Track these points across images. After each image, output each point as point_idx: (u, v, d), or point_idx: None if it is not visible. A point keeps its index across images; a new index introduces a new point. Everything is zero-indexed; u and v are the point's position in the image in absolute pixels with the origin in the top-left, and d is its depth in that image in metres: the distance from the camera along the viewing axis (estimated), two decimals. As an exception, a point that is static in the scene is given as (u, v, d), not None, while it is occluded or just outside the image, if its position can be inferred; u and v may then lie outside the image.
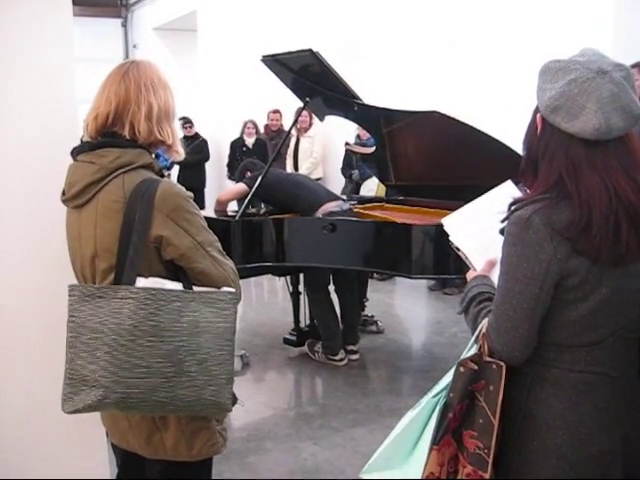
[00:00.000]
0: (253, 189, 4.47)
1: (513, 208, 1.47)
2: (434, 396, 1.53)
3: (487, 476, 1.45)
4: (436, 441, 1.47)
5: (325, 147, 8.20)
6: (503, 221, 1.49)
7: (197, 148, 9.61)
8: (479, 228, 1.77)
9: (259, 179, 4.46)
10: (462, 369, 1.46)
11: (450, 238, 1.80)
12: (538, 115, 1.47)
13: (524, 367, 1.49)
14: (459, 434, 1.49)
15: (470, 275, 1.71)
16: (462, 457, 1.49)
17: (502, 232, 1.51)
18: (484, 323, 1.51)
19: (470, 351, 1.54)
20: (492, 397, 1.44)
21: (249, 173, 4.83)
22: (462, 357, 1.55)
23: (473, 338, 1.54)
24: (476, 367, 1.46)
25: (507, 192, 1.72)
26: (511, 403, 1.49)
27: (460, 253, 1.78)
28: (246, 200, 4.51)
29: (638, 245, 1.38)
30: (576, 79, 1.38)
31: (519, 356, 1.46)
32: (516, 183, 1.78)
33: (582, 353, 1.45)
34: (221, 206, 4.90)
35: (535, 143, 1.49)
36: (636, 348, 1.50)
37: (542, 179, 1.46)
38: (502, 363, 1.44)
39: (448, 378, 1.61)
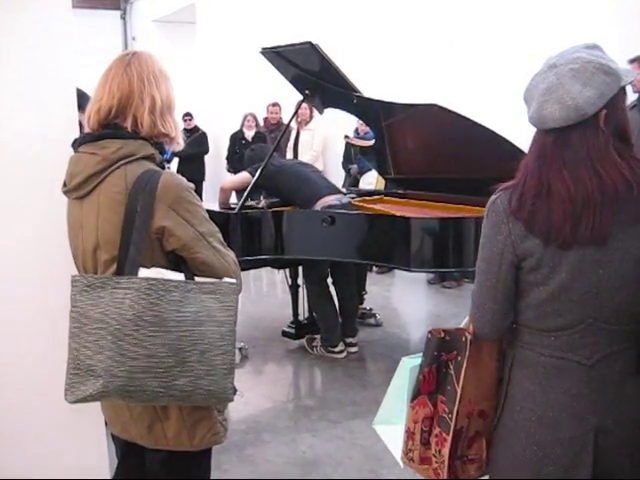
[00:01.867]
0: (255, 178, 4.48)
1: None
2: (411, 357, 1.69)
3: (449, 439, 1.57)
4: (410, 399, 1.64)
5: (325, 140, 8.19)
6: None
7: (197, 141, 9.62)
8: None
9: (261, 167, 4.47)
10: (429, 336, 1.60)
11: None
12: None
13: (508, 349, 1.60)
14: (435, 398, 1.62)
15: None
16: (435, 418, 1.62)
17: None
18: None
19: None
20: (459, 366, 1.56)
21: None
22: None
23: (467, 318, 1.65)
24: (442, 335, 1.59)
25: None
26: (499, 384, 1.61)
27: None
28: (245, 192, 4.51)
29: (572, 231, 1.41)
30: (537, 73, 1.48)
31: (488, 332, 1.57)
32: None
33: (550, 338, 1.50)
34: (225, 194, 4.88)
35: None
36: (622, 340, 1.50)
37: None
38: (468, 335, 1.56)
39: None
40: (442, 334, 1.59)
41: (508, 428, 1.57)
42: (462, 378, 1.55)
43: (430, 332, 1.60)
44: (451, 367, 1.58)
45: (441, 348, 1.59)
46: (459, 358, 1.57)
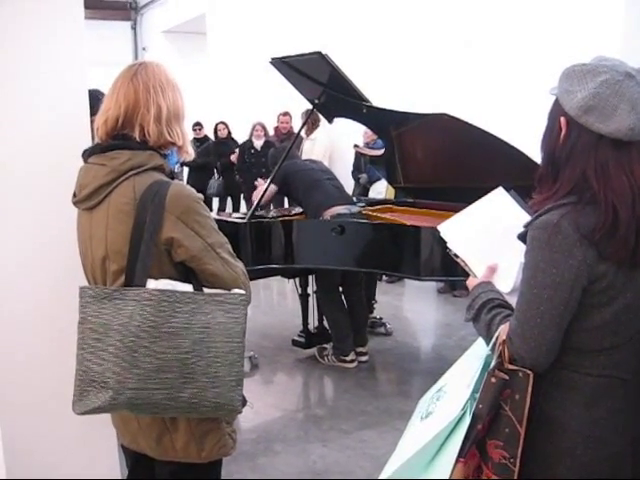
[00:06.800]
0: (271, 176, 4.60)
1: (537, 213, 1.45)
2: (461, 409, 1.48)
3: None
4: (463, 453, 1.44)
5: (334, 150, 8.20)
6: (526, 226, 1.47)
7: (206, 150, 9.65)
8: (476, 234, 1.77)
9: (277, 165, 4.60)
10: (494, 379, 1.44)
11: (448, 245, 1.80)
12: (562, 118, 1.45)
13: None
14: (483, 444, 1.47)
15: (471, 282, 1.69)
16: (486, 467, 1.47)
17: (521, 238, 1.49)
18: (501, 330, 1.49)
19: (483, 353, 1.53)
20: (518, 406, 1.42)
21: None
22: (469, 361, 1.56)
23: (490, 346, 1.51)
24: (507, 377, 1.43)
25: (500, 199, 1.76)
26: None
27: (459, 260, 1.77)
28: (255, 202, 4.52)
29: None
30: (607, 80, 1.39)
31: (544, 362, 1.44)
32: (508, 189, 1.78)
33: (601, 357, 1.46)
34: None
35: (559, 146, 1.47)
36: None
37: (564, 183, 1.45)
38: (529, 372, 1.42)
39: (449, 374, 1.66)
40: (506, 376, 1.43)
41: (544, 450, 1.49)
42: (525, 418, 1.42)
43: (492, 375, 1.43)
44: (506, 407, 1.43)
45: (500, 391, 1.44)
46: (517, 396, 1.42)
